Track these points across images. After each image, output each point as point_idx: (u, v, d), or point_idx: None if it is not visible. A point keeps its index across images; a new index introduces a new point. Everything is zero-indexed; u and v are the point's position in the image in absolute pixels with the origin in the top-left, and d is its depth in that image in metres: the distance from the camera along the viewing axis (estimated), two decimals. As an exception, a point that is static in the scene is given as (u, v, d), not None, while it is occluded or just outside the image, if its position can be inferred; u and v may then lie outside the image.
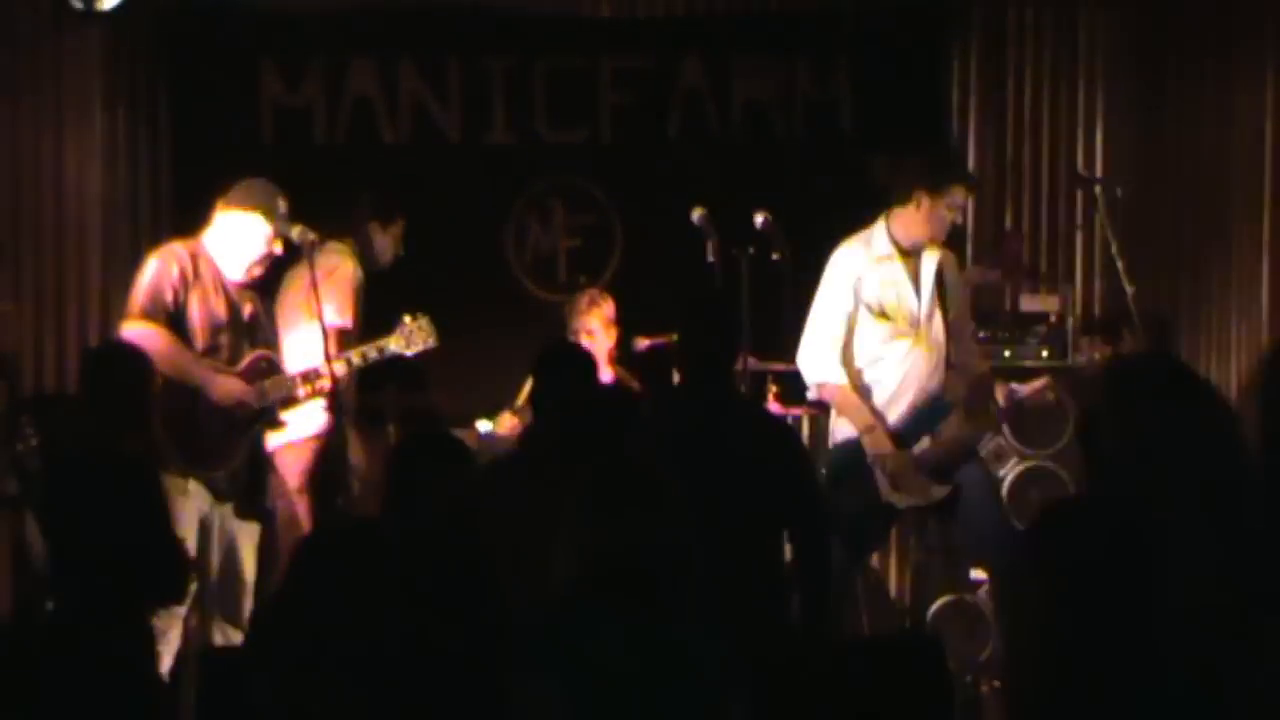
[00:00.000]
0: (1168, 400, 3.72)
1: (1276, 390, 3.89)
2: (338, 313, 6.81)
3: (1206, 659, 3.50)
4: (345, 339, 6.69)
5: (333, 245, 6.91)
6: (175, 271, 6.17)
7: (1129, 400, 3.80)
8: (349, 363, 6.43)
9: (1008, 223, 8.43)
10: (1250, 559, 3.61)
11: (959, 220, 6.60)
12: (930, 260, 6.56)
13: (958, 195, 6.45)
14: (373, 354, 6.49)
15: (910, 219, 6.46)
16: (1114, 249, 6.31)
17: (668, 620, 3.54)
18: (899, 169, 6.63)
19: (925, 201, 6.42)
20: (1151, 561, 3.18)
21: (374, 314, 6.92)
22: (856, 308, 6.46)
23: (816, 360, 6.47)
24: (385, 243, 7.27)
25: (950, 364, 6.59)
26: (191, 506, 6.15)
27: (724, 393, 5.46)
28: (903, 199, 6.46)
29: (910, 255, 6.51)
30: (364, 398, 7.01)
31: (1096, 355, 7.13)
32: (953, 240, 6.73)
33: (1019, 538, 3.69)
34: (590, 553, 3.57)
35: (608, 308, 7.41)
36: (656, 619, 3.53)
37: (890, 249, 6.49)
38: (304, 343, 6.57)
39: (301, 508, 6.95)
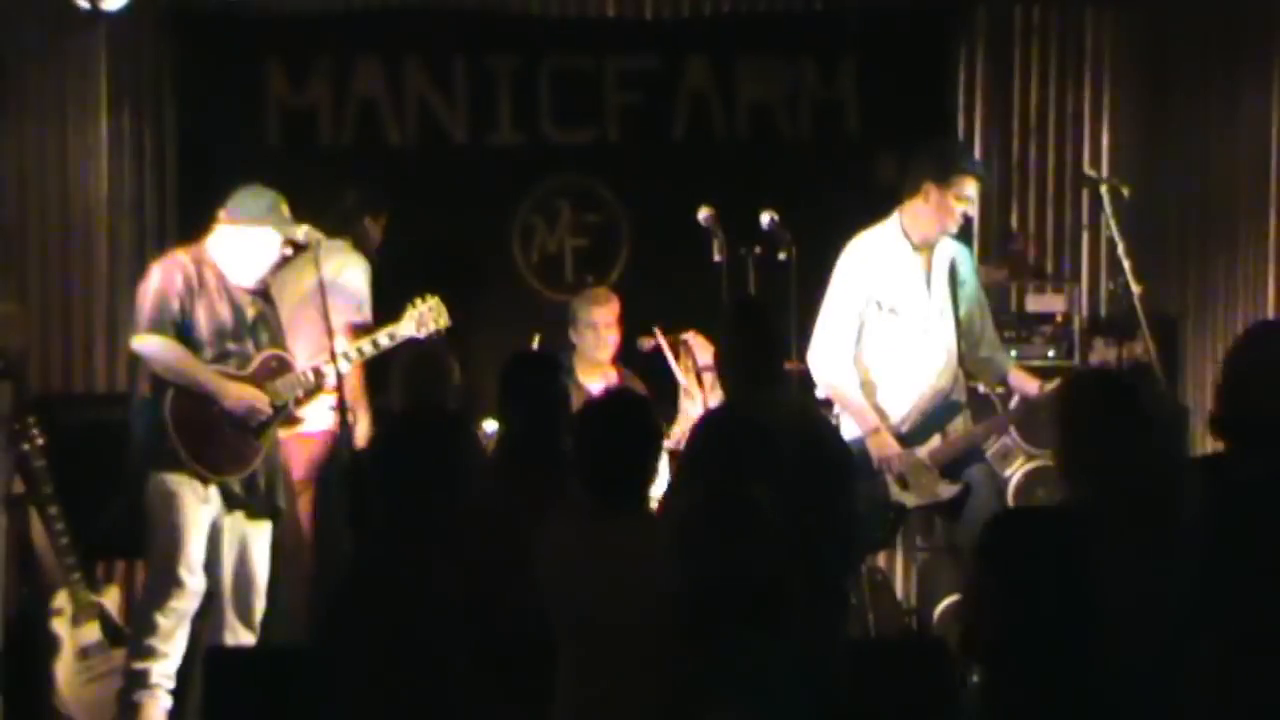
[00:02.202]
0: (1111, 419, 4.05)
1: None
2: (357, 310, 7.04)
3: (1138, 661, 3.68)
4: (361, 334, 6.76)
5: (336, 244, 6.94)
6: (180, 281, 6.17)
7: (1076, 417, 4.06)
8: (361, 351, 6.48)
9: (1014, 222, 8.43)
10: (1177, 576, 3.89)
11: (970, 213, 6.58)
12: (943, 256, 6.54)
13: (966, 187, 6.42)
14: (384, 340, 6.52)
15: (919, 211, 6.44)
16: (1120, 249, 6.29)
17: (778, 639, 3.62)
18: (907, 162, 6.62)
19: (933, 193, 6.40)
20: (1085, 571, 3.51)
21: (385, 310, 6.93)
22: (868, 304, 6.45)
23: (827, 358, 6.45)
24: (376, 233, 7.49)
25: (961, 361, 6.57)
26: (206, 511, 6.17)
27: (773, 398, 5.40)
28: (911, 191, 6.45)
29: (923, 250, 6.50)
30: (374, 393, 7.01)
31: (1110, 358, 7.11)
32: (960, 238, 6.72)
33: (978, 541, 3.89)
34: (703, 580, 3.64)
35: (615, 305, 7.41)
36: (768, 640, 3.60)
37: (903, 244, 6.48)
38: (313, 341, 6.59)
39: (303, 500, 6.98)
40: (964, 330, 6.56)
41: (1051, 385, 6.40)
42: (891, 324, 6.47)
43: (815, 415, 6.10)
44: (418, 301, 6.60)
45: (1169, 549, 4.07)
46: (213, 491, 6.18)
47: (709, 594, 3.65)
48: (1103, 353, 7.24)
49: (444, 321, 6.60)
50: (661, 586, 3.78)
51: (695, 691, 3.60)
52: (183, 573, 6.13)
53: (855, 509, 5.36)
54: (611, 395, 4.82)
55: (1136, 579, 3.96)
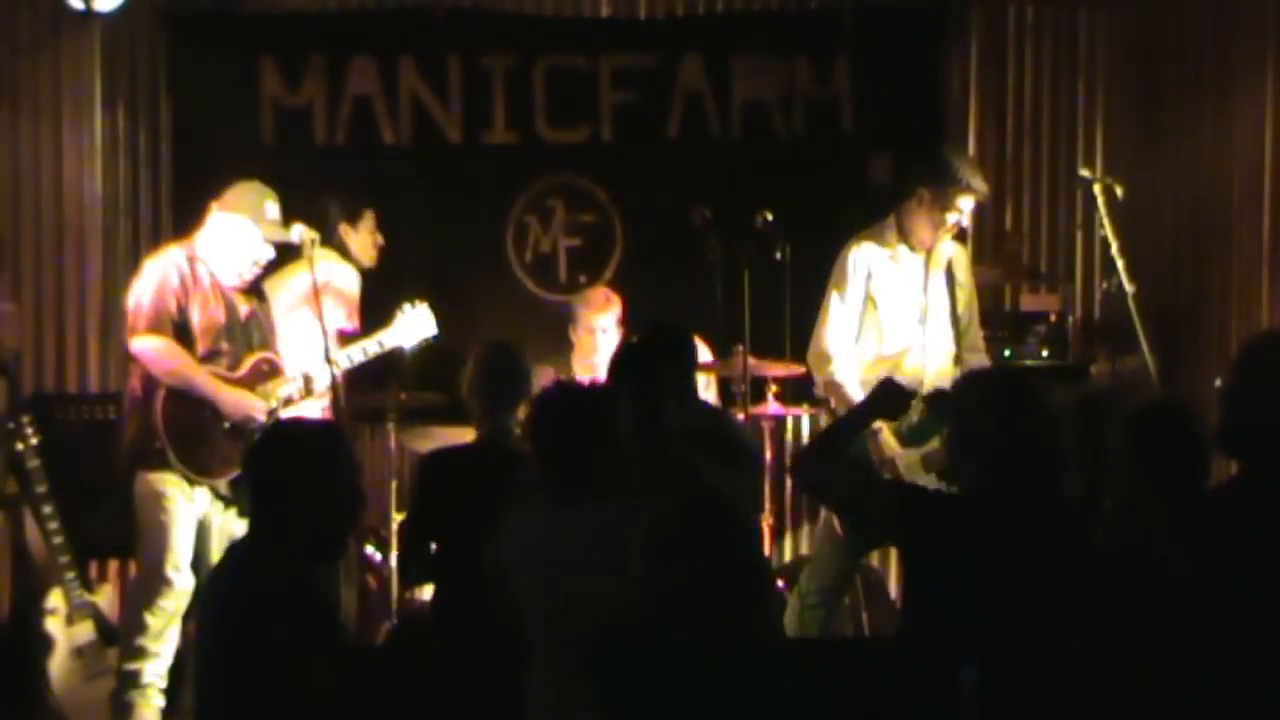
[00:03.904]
0: (997, 412, 4.27)
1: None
2: (346, 318, 7.07)
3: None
4: (351, 340, 6.76)
5: (323, 252, 6.95)
6: (176, 279, 6.17)
7: (965, 412, 4.38)
8: (350, 359, 6.47)
9: (1008, 222, 8.42)
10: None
11: (963, 223, 6.58)
12: (940, 256, 6.54)
13: (961, 200, 6.42)
14: (373, 348, 6.53)
15: (913, 215, 6.45)
16: (1114, 249, 6.29)
17: (750, 641, 3.62)
18: (908, 163, 6.62)
19: (927, 200, 6.41)
20: (979, 545, 4.04)
21: (376, 313, 6.93)
22: (866, 303, 6.45)
23: (826, 358, 6.45)
24: (362, 241, 7.45)
25: (957, 360, 6.57)
26: (192, 511, 6.17)
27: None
28: (907, 195, 6.46)
29: (919, 251, 6.50)
30: (364, 396, 7.00)
31: (1112, 365, 7.08)
32: (954, 238, 6.72)
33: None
34: (672, 581, 3.65)
35: (618, 310, 7.39)
36: (740, 641, 3.60)
37: (899, 245, 6.48)
38: (306, 343, 6.59)
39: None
40: (960, 331, 6.57)
41: None
42: (889, 324, 6.47)
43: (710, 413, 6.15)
44: (406, 307, 6.60)
45: (1061, 540, 4.21)
46: (199, 492, 6.18)
47: (690, 597, 3.66)
48: (1104, 364, 7.22)
49: (431, 330, 6.61)
50: (634, 581, 3.79)
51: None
52: (170, 571, 6.14)
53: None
54: (562, 386, 4.91)
55: (1030, 569, 4.11)
